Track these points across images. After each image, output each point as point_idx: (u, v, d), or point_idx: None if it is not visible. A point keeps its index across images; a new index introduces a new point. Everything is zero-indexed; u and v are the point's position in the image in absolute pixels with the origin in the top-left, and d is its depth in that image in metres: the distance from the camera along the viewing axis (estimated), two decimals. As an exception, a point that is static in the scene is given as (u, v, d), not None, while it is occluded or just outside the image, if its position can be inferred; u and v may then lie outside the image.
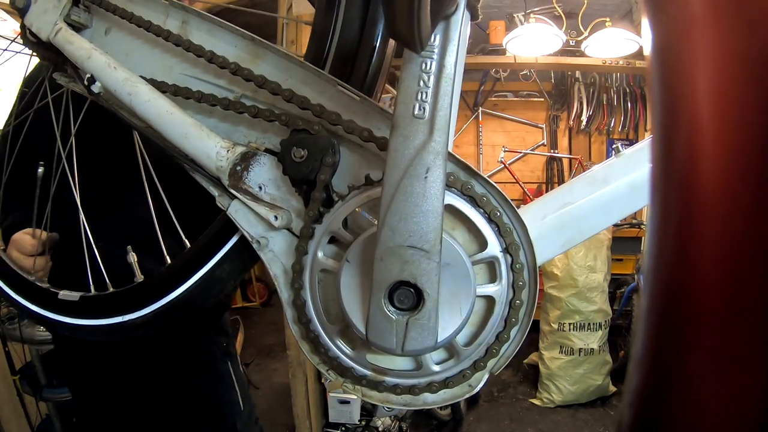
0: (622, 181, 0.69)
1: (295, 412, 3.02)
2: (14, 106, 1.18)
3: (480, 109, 5.75)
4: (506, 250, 0.68)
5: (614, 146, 0.75)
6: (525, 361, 4.49)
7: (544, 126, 5.76)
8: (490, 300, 0.69)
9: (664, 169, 0.32)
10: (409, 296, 0.63)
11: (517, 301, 0.69)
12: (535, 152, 5.62)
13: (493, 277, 0.69)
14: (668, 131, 0.31)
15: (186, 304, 0.82)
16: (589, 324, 3.81)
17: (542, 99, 5.76)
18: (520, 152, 5.54)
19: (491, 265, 0.69)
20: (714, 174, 0.29)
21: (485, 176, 0.67)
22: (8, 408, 2.64)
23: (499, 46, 4.53)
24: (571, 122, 5.62)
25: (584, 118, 5.48)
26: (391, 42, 0.79)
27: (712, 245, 0.30)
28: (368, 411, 3.24)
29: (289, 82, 0.72)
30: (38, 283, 0.98)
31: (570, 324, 3.83)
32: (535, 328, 4.13)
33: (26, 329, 2.41)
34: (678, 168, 0.31)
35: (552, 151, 5.67)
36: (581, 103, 5.48)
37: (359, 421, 3.19)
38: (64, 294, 0.92)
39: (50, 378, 2.57)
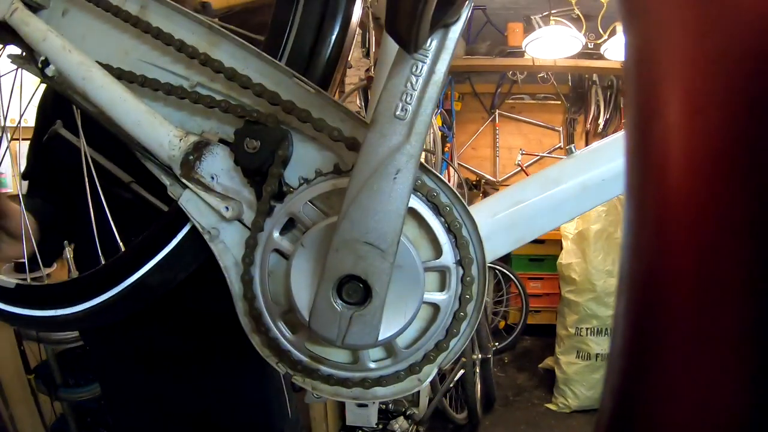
0: (573, 182, 0.69)
1: (311, 415, 3.02)
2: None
3: (497, 111, 5.72)
4: (459, 263, 0.68)
5: (567, 147, 0.75)
6: (540, 365, 4.46)
7: (561, 129, 5.71)
8: (435, 308, 0.69)
9: (637, 168, 0.32)
10: (358, 291, 0.64)
11: (462, 314, 0.69)
12: (552, 155, 5.56)
13: (442, 286, 0.69)
14: (642, 128, 0.32)
15: (130, 299, 0.82)
16: (606, 329, 3.77)
17: (559, 102, 5.71)
18: (537, 155, 5.50)
19: (442, 273, 0.69)
20: (688, 165, 0.29)
21: (450, 186, 0.68)
22: (22, 407, 2.66)
23: (518, 48, 4.52)
24: (588, 125, 5.57)
25: (601, 121, 5.42)
26: (350, 35, 0.79)
27: (687, 245, 0.30)
28: (386, 414, 3.24)
29: (245, 72, 0.71)
30: None
31: (587, 329, 3.79)
32: (552, 332, 4.10)
33: (43, 329, 2.45)
34: (652, 168, 0.31)
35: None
36: (598, 106, 5.42)
37: (376, 424, 3.18)
38: (0, 279, 0.91)
39: (66, 377, 2.59)
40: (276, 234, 0.71)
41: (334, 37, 0.77)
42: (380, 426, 3.22)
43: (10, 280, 0.88)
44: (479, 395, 3.78)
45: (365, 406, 3.09)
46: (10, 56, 0.87)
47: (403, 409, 3.29)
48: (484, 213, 0.70)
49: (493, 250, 0.70)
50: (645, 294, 0.32)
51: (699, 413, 0.31)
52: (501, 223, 0.70)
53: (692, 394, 0.31)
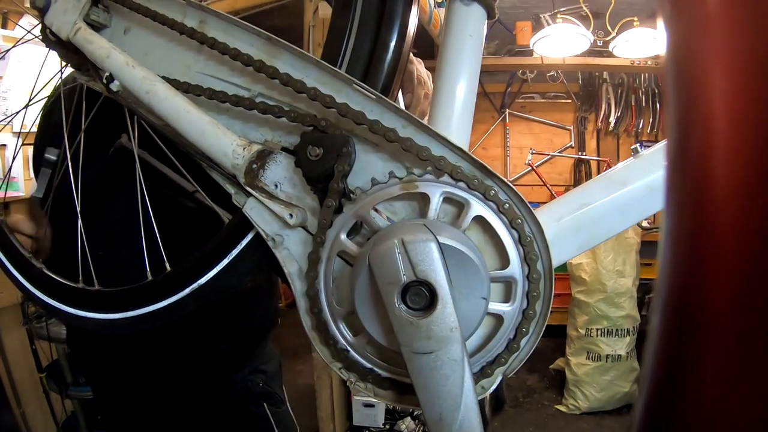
0: (639, 183, 0.68)
1: (319, 415, 3.02)
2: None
3: (507, 110, 5.71)
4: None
5: (632, 147, 0.74)
6: (551, 366, 4.45)
7: (571, 128, 5.69)
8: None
9: (678, 169, 0.32)
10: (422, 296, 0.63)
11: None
12: (563, 154, 5.55)
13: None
14: (683, 131, 0.31)
15: (196, 303, 0.83)
16: (617, 330, 3.77)
17: (569, 100, 5.69)
18: (548, 154, 5.48)
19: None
20: (729, 174, 0.29)
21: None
22: (34, 405, 2.69)
23: (526, 47, 4.53)
24: (599, 124, 5.55)
25: (612, 119, 5.40)
26: (408, 41, 0.78)
27: (727, 248, 0.29)
28: (393, 415, 3.24)
29: (306, 81, 0.72)
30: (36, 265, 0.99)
31: (598, 329, 3.80)
32: (562, 333, 4.09)
33: (53, 328, 2.46)
34: (693, 169, 0.30)
35: (580, 153, 5.60)
36: (609, 105, 5.41)
37: (383, 424, 3.19)
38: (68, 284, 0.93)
39: (76, 376, 2.62)
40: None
41: (393, 43, 0.76)
42: (387, 426, 3.23)
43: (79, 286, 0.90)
44: (489, 396, 3.77)
45: (372, 406, 3.11)
46: (76, 74, 0.89)
47: (411, 410, 3.29)
48: (549, 216, 0.70)
49: (559, 255, 0.69)
50: (682, 309, 0.32)
51: (734, 421, 0.30)
52: (567, 227, 0.69)
53: (729, 403, 0.30)
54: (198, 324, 1.19)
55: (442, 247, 0.61)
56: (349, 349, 0.73)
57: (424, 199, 0.68)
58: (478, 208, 0.66)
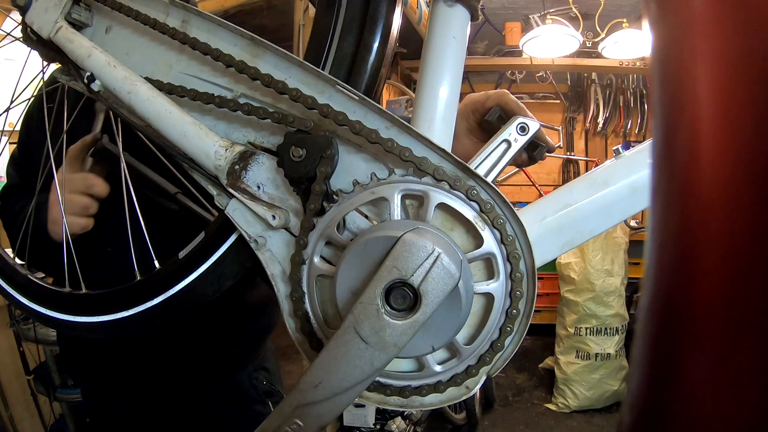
0: (622, 183, 0.69)
1: (309, 416, 3.01)
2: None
3: (496, 111, 5.71)
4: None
5: (614, 148, 0.74)
6: (540, 365, 4.48)
7: (560, 128, 5.71)
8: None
9: (664, 170, 0.32)
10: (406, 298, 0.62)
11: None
12: (552, 155, 5.56)
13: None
14: (669, 131, 0.31)
15: (179, 305, 0.83)
16: (605, 328, 3.80)
17: (558, 101, 5.71)
18: (536, 154, 5.49)
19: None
20: (716, 174, 0.29)
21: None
22: (22, 407, 2.67)
23: (516, 47, 4.55)
24: (588, 124, 5.59)
25: (601, 120, 5.44)
26: (391, 42, 0.78)
27: (714, 249, 0.29)
28: (383, 415, 3.24)
29: (289, 82, 0.71)
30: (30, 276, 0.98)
31: (586, 328, 3.82)
32: (551, 332, 4.11)
33: (40, 329, 2.45)
34: (679, 169, 0.30)
35: (568, 153, 5.62)
36: (597, 105, 5.44)
37: (374, 425, 3.19)
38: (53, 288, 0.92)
39: (64, 378, 2.60)
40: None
41: (376, 44, 0.76)
42: (378, 426, 3.23)
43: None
44: (478, 395, 3.78)
45: (362, 406, 3.10)
46: (56, 73, 0.88)
47: (402, 410, 3.28)
48: (532, 217, 0.70)
49: (543, 255, 0.69)
50: (670, 309, 0.32)
51: (723, 423, 0.30)
52: (550, 227, 0.70)
53: (717, 404, 0.30)
54: (208, 326, 1.20)
55: (453, 289, 0.61)
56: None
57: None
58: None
